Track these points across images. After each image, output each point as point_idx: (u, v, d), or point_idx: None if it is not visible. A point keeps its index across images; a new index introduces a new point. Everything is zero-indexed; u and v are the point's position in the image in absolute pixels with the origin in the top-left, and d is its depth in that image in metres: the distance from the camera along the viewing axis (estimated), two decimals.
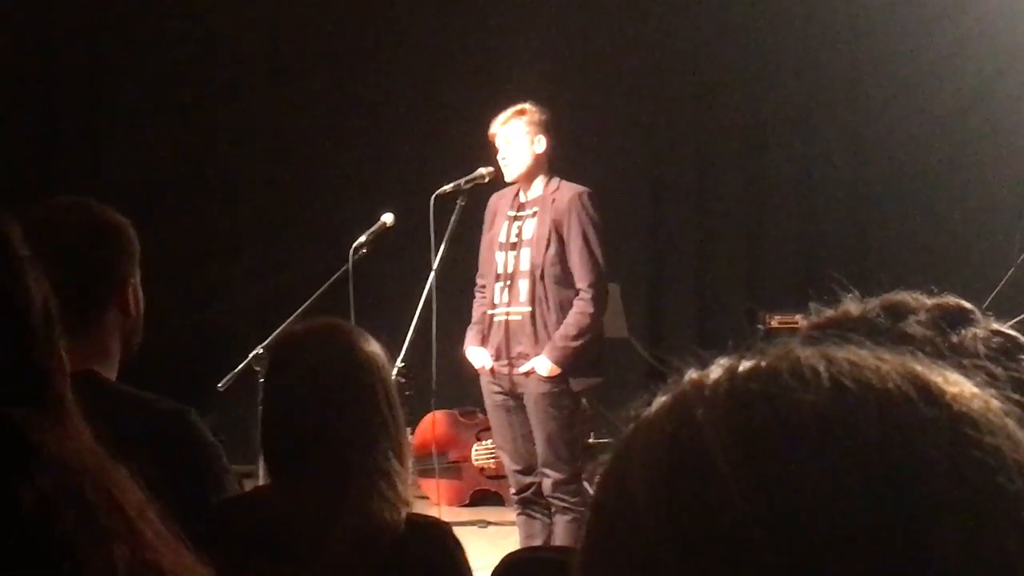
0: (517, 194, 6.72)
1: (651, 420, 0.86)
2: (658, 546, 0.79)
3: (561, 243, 6.52)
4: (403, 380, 6.00)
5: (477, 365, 6.75)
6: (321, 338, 3.06)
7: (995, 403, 0.82)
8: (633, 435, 0.86)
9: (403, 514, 2.90)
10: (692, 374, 0.87)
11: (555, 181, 6.65)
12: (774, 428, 0.80)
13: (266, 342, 6.67)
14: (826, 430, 0.79)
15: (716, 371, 0.85)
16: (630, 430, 0.87)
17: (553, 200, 6.57)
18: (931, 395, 0.81)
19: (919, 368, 0.83)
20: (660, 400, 0.87)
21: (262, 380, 6.50)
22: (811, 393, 0.80)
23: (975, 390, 0.82)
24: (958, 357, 1.10)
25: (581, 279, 6.52)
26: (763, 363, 0.84)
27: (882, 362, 0.83)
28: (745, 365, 0.84)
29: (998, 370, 1.03)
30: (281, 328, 6.46)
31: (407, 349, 6.59)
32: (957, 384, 0.83)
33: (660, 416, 0.85)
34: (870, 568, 0.76)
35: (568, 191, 6.59)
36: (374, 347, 3.04)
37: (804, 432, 0.79)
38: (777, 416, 0.80)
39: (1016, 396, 0.86)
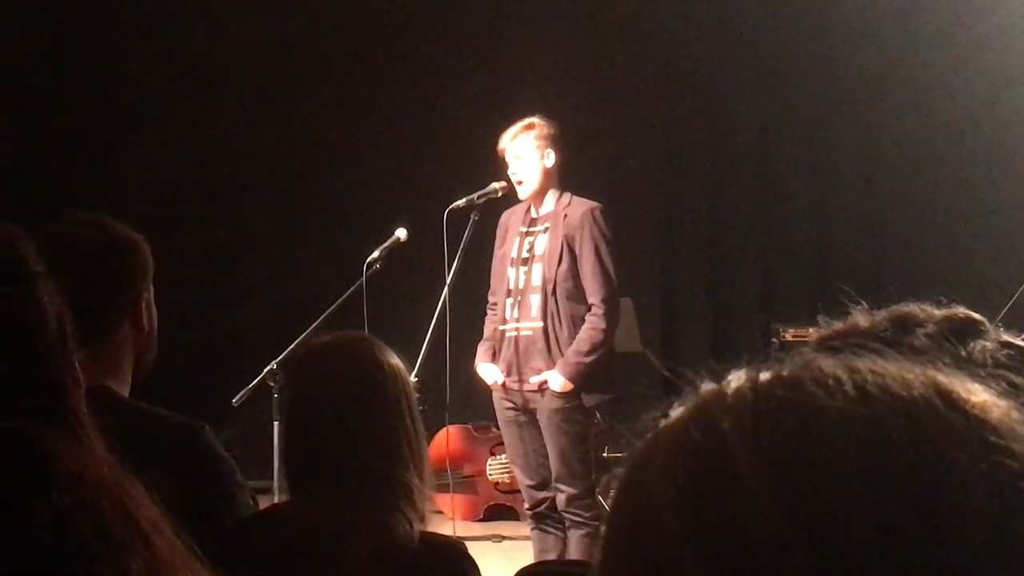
0: (528, 209, 6.72)
1: (672, 430, 0.85)
2: (684, 557, 0.79)
3: (573, 258, 6.51)
4: (417, 395, 6.00)
5: (488, 381, 6.75)
6: (345, 349, 3.06)
7: (1014, 411, 0.82)
8: (653, 445, 0.85)
9: (418, 530, 2.89)
10: (709, 385, 0.87)
11: (566, 196, 6.64)
12: (801, 436, 0.79)
13: (280, 357, 6.68)
14: (854, 437, 0.78)
15: (736, 381, 0.85)
16: (649, 440, 0.86)
17: (565, 216, 6.57)
18: (955, 403, 0.81)
19: (940, 377, 0.83)
20: (678, 411, 0.87)
21: (277, 395, 6.57)
22: (836, 401, 0.80)
23: (994, 399, 0.83)
24: (969, 368, 1.10)
25: (593, 294, 6.51)
26: (784, 372, 0.84)
27: (904, 371, 0.83)
28: (766, 375, 0.84)
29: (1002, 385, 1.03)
30: (295, 343, 6.48)
31: (421, 364, 6.59)
32: (977, 393, 0.83)
33: (681, 426, 0.84)
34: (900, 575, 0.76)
35: (580, 207, 6.58)
36: (396, 359, 3.04)
37: (832, 439, 0.78)
38: (804, 424, 0.80)
39: None
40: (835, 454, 0.78)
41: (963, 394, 0.82)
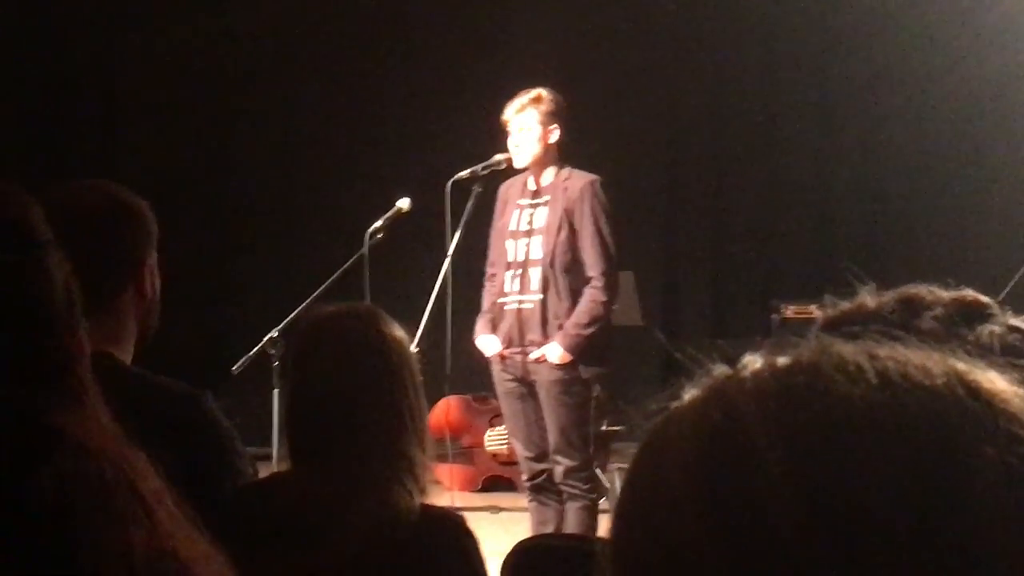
0: (526, 182, 6.71)
1: (688, 412, 0.84)
2: (702, 539, 0.78)
3: (572, 231, 6.51)
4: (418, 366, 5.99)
5: (488, 353, 6.75)
6: (352, 321, 3.06)
7: None
8: (666, 427, 0.85)
9: (418, 502, 2.90)
10: (721, 367, 0.86)
11: (567, 170, 6.63)
12: (823, 422, 0.79)
13: (280, 326, 6.67)
14: (877, 425, 0.78)
15: (752, 365, 0.84)
16: (661, 422, 0.85)
17: (565, 189, 6.56)
18: (976, 392, 0.80)
19: (960, 365, 0.82)
20: (692, 392, 0.86)
21: (277, 363, 6.56)
22: (859, 389, 0.79)
23: (1014, 388, 0.82)
24: (979, 353, 1.09)
25: (593, 267, 6.51)
26: (804, 358, 0.83)
27: (924, 359, 0.82)
28: (783, 360, 0.84)
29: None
30: (296, 312, 6.47)
31: (422, 334, 6.59)
32: (996, 381, 0.82)
33: (699, 408, 0.84)
34: (924, 565, 0.75)
35: (580, 180, 6.57)
36: (400, 331, 3.04)
37: (855, 427, 0.78)
38: (826, 410, 0.79)
39: None
40: (859, 442, 0.78)
41: (985, 384, 0.81)
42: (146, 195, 3.15)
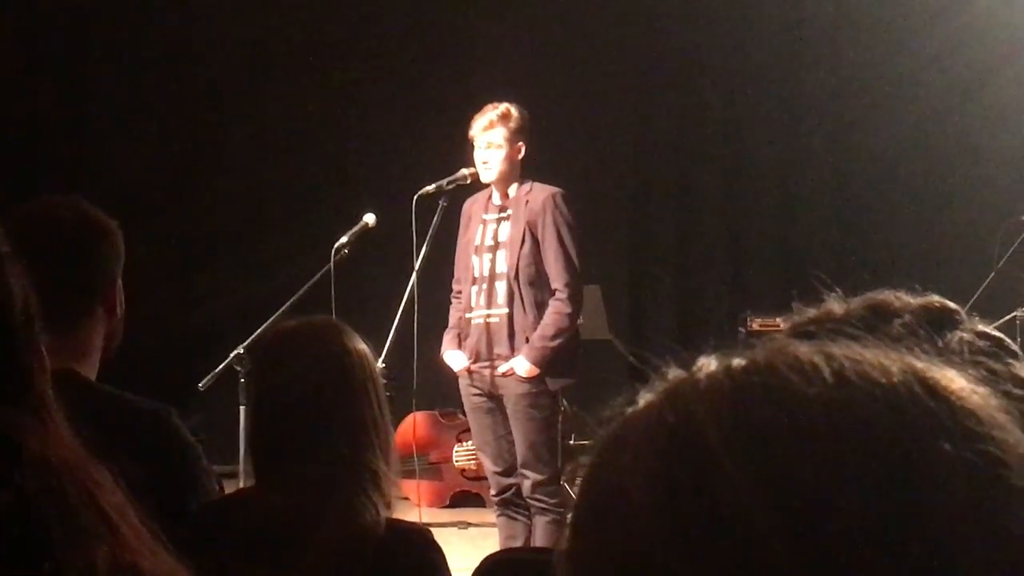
0: (490, 197, 6.72)
1: (642, 416, 0.83)
2: (657, 545, 0.77)
3: (535, 244, 6.52)
4: (384, 381, 5.97)
5: (455, 368, 6.75)
6: (312, 334, 3.06)
7: (993, 399, 0.81)
8: (622, 432, 0.84)
9: (384, 516, 2.89)
10: (677, 371, 0.86)
11: (528, 183, 6.65)
12: (779, 422, 0.78)
13: (247, 342, 6.65)
14: (833, 424, 0.77)
15: (708, 366, 0.84)
16: (617, 426, 0.85)
17: (527, 201, 6.57)
18: (935, 390, 0.80)
19: (918, 364, 0.82)
20: (647, 397, 0.85)
21: (243, 380, 6.54)
22: (814, 388, 0.79)
23: (973, 386, 0.82)
24: (947, 357, 1.09)
25: (557, 279, 6.52)
26: (759, 358, 0.82)
27: (881, 357, 0.81)
28: (739, 360, 0.83)
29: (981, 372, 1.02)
30: (262, 328, 6.45)
31: (388, 350, 6.58)
32: (956, 380, 0.82)
33: (654, 411, 0.83)
34: (881, 563, 0.74)
35: (541, 192, 6.59)
36: (363, 345, 3.04)
37: (810, 426, 0.77)
38: (781, 410, 0.78)
39: (1018, 391, 0.86)
40: (815, 442, 0.77)
41: (943, 381, 0.81)
42: (112, 209, 3.14)
